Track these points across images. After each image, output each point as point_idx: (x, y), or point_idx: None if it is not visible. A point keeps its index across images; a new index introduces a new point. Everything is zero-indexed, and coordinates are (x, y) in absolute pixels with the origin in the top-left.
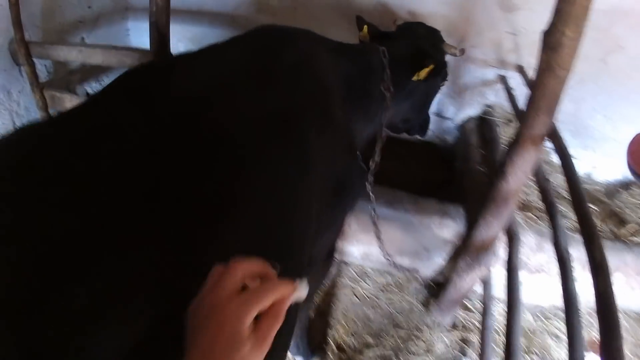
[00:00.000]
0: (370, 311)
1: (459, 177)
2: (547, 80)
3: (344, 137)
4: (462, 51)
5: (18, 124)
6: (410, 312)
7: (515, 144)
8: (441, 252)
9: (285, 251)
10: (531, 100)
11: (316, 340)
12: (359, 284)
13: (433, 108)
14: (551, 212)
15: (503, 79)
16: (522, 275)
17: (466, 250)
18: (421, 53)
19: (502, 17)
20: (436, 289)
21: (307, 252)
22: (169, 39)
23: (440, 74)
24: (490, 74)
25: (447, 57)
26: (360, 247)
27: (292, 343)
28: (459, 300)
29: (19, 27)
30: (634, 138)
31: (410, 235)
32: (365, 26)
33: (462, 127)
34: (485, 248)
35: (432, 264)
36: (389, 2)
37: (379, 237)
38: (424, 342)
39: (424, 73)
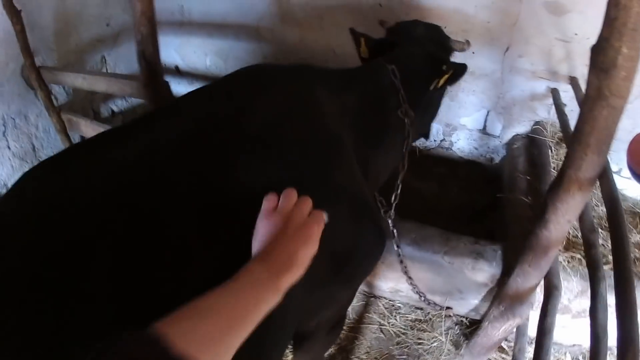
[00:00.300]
0: (397, 350)
1: (502, 207)
2: (597, 111)
3: (353, 200)
4: (469, 43)
5: (37, 146)
6: (439, 353)
7: (558, 187)
8: (476, 293)
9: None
10: (578, 135)
11: None
12: (387, 319)
13: (479, 124)
14: (594, 276)
15: (555, 93)
16: (563, 319)
17: (500, 298)
18: (435, 60)
19: (550, 22)
20: (471, 329)
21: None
22: (160, 67)
23: (460, 77)
24: (541, 86)
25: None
26: (389, 283)
27: None
28: (491, 348)
29: (28, 54)
30: (634, 137)
31: (440, 277)
32: (363, 39)
33: (509, 147)
34: (520, 299)
35: (467, 304)
36: (419, 6)
37: (407, 275)
38: None
39: (442, 81)
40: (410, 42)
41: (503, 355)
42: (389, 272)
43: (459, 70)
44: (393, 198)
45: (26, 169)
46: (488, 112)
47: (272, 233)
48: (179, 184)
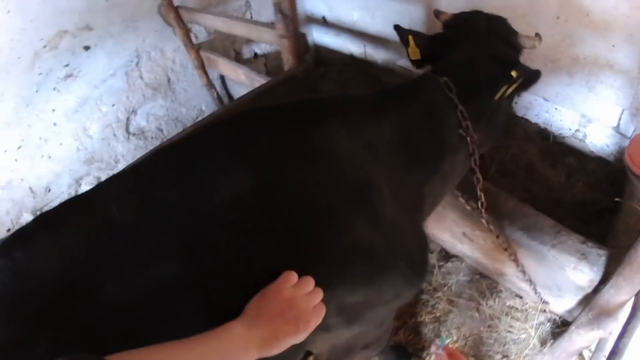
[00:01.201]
0: (486, 332)
1: (619, 213)
2: None
3: (373, 253)
4: (540, 38)
5: (173, 79)
6: (525, 346)
7: None
8: (573, 295)
9: None
10: None
11: (419, 347)
12: (486, 300)
13: (613, 121)
14: None
15: None
16: None
17: (591, 305)
18: (503, 64)
19: None
20: (560, 330)
21: None
22: (297, 20)
23: (532, 85)
24: None
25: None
26: (496, 264)
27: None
28: (572, 354)
29: None
30: (633, 138)
31: (542, 269)
32: (411, 37)
33: None
34: (609, 312)
35: (564, 303)
36: None
37: (516, 261)
38: None
39: (510, 90)
40: (472, 41)
41: None
42: (497, 253)
43: (532, 77)
44: (479, 205)
45: (159, 100)
46: (623, 111)
47: (274, 307)
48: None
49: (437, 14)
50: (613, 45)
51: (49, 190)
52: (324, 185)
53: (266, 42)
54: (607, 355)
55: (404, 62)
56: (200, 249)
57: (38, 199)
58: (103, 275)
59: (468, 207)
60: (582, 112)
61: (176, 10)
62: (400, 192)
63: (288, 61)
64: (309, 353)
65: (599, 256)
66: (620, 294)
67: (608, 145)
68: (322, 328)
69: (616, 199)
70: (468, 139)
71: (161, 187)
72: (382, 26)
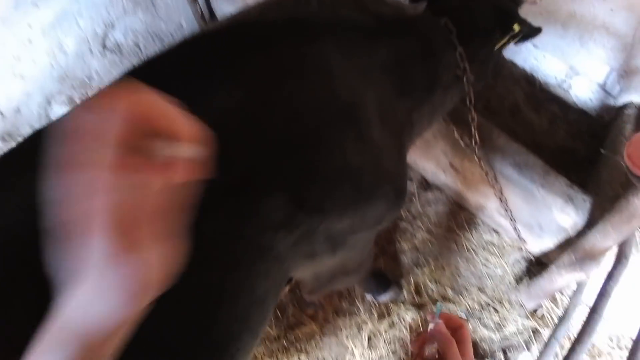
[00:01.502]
0: (463, 265)
1: (601, 165)
2: None
3: (359, 175)
4: None
5: None
6: (500, 281)
7: None
8: (554, 236)
9: None
10: None
11: (398, 275)
12: (463, 233)
13: (600, 78)
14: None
15: None
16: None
17: (575, 248)
18: (505, 16)
19: None
20: (535, 269)
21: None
22: None
23: (529, 39)
24: None
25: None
26: (477, 197)
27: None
28: (549, 293)
29: None
30: (632, 139)
31: (528, 207)
32: None
33: (621, 111)
34: (592, 256)
35: (542, 243)
36: None
37: (501, 197)
38: (498, 317)
39: (506, 41)
40: None
41: (554, 306)
42: (482, 185)
43: (531, 32)
44: (473, 142)
45: (139, 13)
46: (611, 71)
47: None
48: None
49: None
50: (612, 10)
51: (19, 111)
52: (313, 104)
53: None
54: (585, 299)
55: None
56: None
57: (7, 122)
58: None
59: (462, 143)
60: (570, 64)
61: None
62: (389, 117)
63: None
64: (290, 280)
65: (584, 202)
66: (606, 240)
67: (592, 99)
68: (308, 255)
69: (602, 151)
70: (465, 79)
71: None
72: None
